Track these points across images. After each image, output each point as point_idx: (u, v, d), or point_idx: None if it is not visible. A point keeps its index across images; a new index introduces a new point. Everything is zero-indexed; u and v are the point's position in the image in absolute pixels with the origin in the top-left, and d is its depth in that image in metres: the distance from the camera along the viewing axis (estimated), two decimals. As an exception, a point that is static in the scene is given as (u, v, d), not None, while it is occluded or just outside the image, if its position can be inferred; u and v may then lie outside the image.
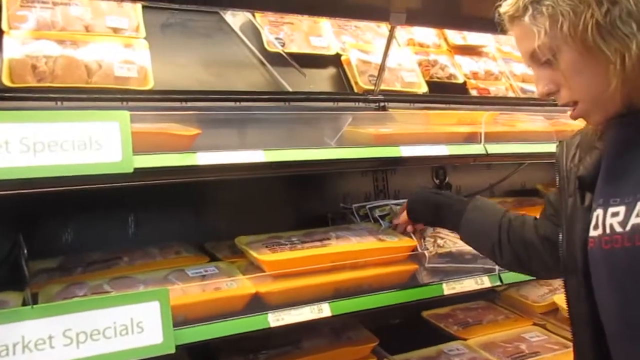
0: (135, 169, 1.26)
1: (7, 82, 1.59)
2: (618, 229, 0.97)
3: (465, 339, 2.00)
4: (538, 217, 1.40)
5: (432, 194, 1.65)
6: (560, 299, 2.04)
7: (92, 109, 1.39)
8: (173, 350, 1.24)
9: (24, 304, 1.28)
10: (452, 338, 2.03)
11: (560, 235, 1.17)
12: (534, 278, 1.72)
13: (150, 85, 1.78)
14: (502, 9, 1.06)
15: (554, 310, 2.12)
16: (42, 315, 1.12)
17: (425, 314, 2.22)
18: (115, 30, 1.87)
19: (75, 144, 1.20)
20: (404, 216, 1.70)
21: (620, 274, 0.97)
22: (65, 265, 1.56)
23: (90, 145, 1.21)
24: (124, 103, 1.74)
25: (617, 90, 0.95)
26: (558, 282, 2.19)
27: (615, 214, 0.98)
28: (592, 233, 1.04)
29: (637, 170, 0.98)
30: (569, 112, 1.08)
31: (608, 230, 0.99)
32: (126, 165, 1.25)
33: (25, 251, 1.27)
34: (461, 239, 1.54)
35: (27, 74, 1.66)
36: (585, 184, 1.10)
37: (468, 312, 2.24)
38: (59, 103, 1.65)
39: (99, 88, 1.71)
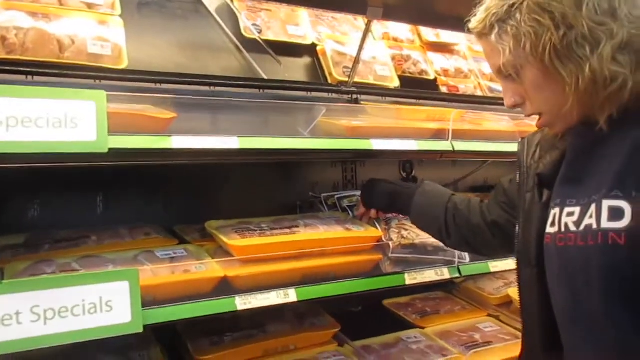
0: (110, 149, 1.25)
1: (-26, 52, 1.55)
2: (572, 228, 1.03)
3: (423, 328, 2.07)
4: (485, 200, 1.49)
5: (383, 182, 1.74)
6: (514, 292, 2.14)
7: (63, 85, 1.38)
8: (141, 330, 1.26)
9: (-10, 279, 1.27)
10: (411, 326, 2.10)
11: (517, 228, 1.24)
12: (489, 270, 1.81)
13: (124, 64, 1.76)
14: (470, 25, 1.11)
15: (507, 302, 2.22)
16: (9, 291, 1.12)
17: (386, 302, 2.29)
18: (90, 6, 1.83)
19: (50, 121, 1.19)
20: (362, 209, 1.78)
21: (572, 270, 1.03)
22: (32, 242, 1.54)
23: (65, 123, 1.20)
24: (97, 81, 1.71)
25: (574, 108, 1.02)
26: (513, 276, 2.28)
27: (570, 214, 1.05)
28: (549, 229, 1.10)
29: (591, 175, 1.05)
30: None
31: (563, 229, 1.06)
32: (101, 145, 1.24)
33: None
34: (412, 222, 1.65)
35: (-4, 45, 1.62)
36: (544, 181, 1.17)
37: (427, 302, 2.32)
38: (29, 78, 1.62)
39: (71, 64, 1.68)
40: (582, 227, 1.02)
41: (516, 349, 1.85)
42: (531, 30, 0.98)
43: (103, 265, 1.41)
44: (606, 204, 0.98)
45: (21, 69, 1.60)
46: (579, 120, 1.06)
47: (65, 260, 1.41)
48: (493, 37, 1.05)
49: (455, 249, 1.74)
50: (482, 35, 1.09)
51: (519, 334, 1.98)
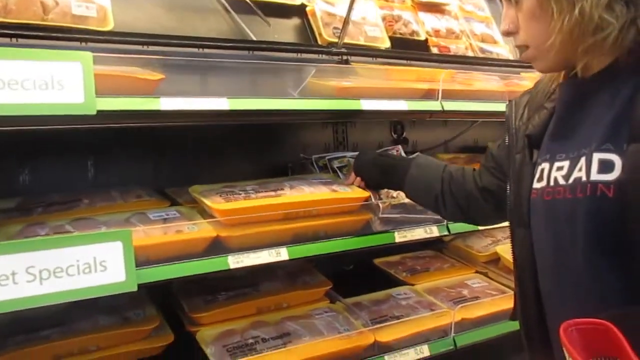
0: (98, 111, 1.25)
1: (-44, 15, 1.52)
2: (561, 181, 1.05)
3: (413, 285, 2.13)
4: (477, 168, 1.51)
5: (377, 156, 1.73)
6: (501, 249, 2.19)
7: (49, 48, 1.36)
8: (135, 289, 1.28)
9: (-16, 241, 1.29)
10: (401, 283, 2.15)
11: (508, 189, 1.26)
12: (477, 227, 1.85)
13: (110, 26, 1.72)
14: None
15: (495, 259, 2.27)
16: (5, 252, 1.13)
17: (377, 261, 2.34)
18: (73, -34, 1.79)
19: (37, 83, 1.18)
20: (353, 177, 1.78)
21: (558, 223, 1.06)
22: (24, 206, 1.56)
23: (52, 85, 1.19)
24: (83, 44, 1.69)
25: (555, 46, 1.03)
26: (500, 234, 2.35)
27: (560, 168, 1.07)
28: (536, 185, 1.13)
29: (581, 129, 1.06)
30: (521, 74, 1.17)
31: (552, 183, 1.08)
32: (89, 106, 1.24)
33: (-13, 189, 1.26)
34: (406, 195, 1.65)
35: (-23, 7, 1.59)
36: (534, 141, 1.18)
37: (417, 260, 2.37)
38: (13, 40, 1.59)
39: (56, 26, 1.65)
40: (571, 180, 1.03)
41: (503, 303, 1.93)
42: None
43: (96, 227, 1.43)
44: (596, 156, 0.99)
45: (5, 31, 1.57)
46: (564, 64, 1.08)
47: (58, 223, 1.43)
48: None
49: (450, 220, 1.77)
50: None
51: (506, 290, 2.07)
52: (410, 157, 1.67)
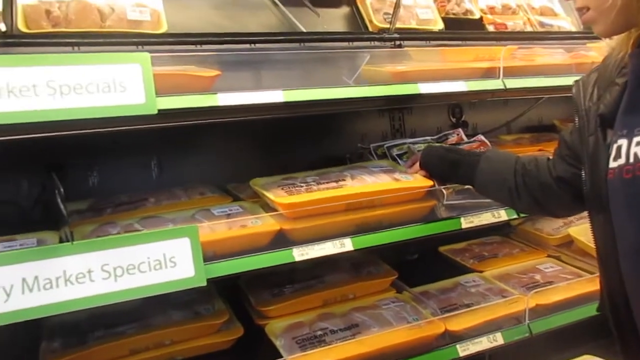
0: (159, 110, 1.28)
1: (23, 28, 1.58)
2: None
3: (481, 272, 2.06)
4: (551, 157, 1.42)
5: (445, 151, 1.67)
6: (575, 231, 2.08)
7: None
8: (204, 283, 1.30)
9: (61, 242, 1.34)
10: (468, 271, 2.09)
11: (583, 174, 1.19)
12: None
13: (163, 28, 1.76)
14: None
15: (568, 242, 2.16)
16: (82, 251, 1.18)
17: (442, 249, 2.28)
18: (126, -27, 1.84)
19: (100, 86, 1.22)
20: (416, 167, 1.72)
21: None
22: (95, 207, 1.62)
23: (114, 87, 1.23)
24: (139, 47, 1.73)
25: (615, 6, 1.01)
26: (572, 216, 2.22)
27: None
28: (612, 164, 1.05)
29: None
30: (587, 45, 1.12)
31: (632, 159, 1.00)
32: (150, 106, 1.27)
33: (62, 190, 1.31)
34: (477, 190, 1.58)
35: (42, 19, 1.65)
36: (607, 121, 1.11)
37: (484, 247, 2.29)
38: (75, 48, 1.65)
39: (113, 32, 1.70)
40: None
41: (580, 287, 1.83)
42: None
43: (163, 225, 1.47)
44: None
45: (67, 40, 1.63)
46: (621, 25, 1.05)
47: (128, 222, 1.47)
48: None
49: (526, 213, 1.69)
50: None
51: (582, 273, 1.96)
52: (480, 151, 1.60)
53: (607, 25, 1.07)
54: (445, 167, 1.63)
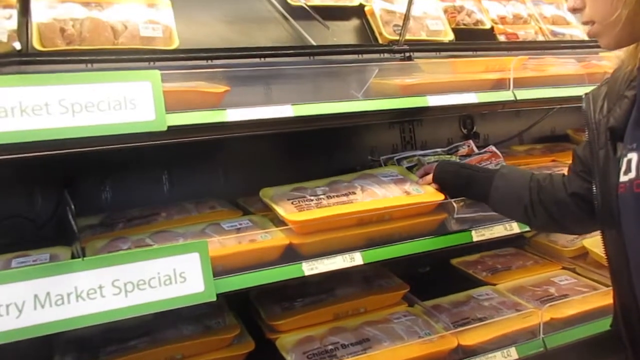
0: (169, 126, 1.29)
1: (38, 46, 1.62)
2: None
3: (494, 284, 2.03)
4: (566, 174, 1.41)
5: (459, 168, 1.66)
6: (589, 243, 2.04)
7: (120, 70, 1.43)
8: (214, 298, 1.31)
9: (73, 257, 1.36)
10: (481, 284, 2.06)
11: (594, 188, 1.17)
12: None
13: (175, 44, 1.79)
14: None
15: (583, 254, 2.13)
16: (93, 267, 1.19)
17: (454, 262, 2.26)
18: (138, -9, 1.87)
19: (111, 104, 1.24)
20: (428, 179, 1.71)
21: None
22: (107, 222, 1.63)
23: (125, 105, 1.24)
24: (151, 63, 1.75)
25: (620, 21, 1.01)
26: (588, 227, 2.19)
27: None
28: (623, 178, 1.04)
29: None
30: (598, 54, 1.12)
31: None
32: (160, 123, 1.28)
33: (73, 207, 1.33)
34: (491, 208, 1.57)
35: (57, 37, 1.69)
36: (617, 134, 1.11)
37: (497, 259, 2.26)
38: (89, 65, 1.68)
39: (126, 49, 1.73)
40: None
41: (596, 301, 1.80)
42: None
43: (174, 239, 1.47)
44: None
45: (81, 57, 1.66)
46: (625, 39, 1.06)
47: (139, 237, 1.48)
48: None
49: (542, 230, 1.67)
50: None
51: (598, 286, 1.93)
52: (494, 168, 1.59)
53: (611, 38, 1.08)
54: (459, 183, 1.62)
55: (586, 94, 1.25)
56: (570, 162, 1.40)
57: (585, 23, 1.12)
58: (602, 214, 1.14)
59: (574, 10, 1.13)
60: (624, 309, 1.14)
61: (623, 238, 1.07)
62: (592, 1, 1.08)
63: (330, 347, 1.59)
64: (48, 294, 1.15)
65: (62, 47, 1.67)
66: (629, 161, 1.03)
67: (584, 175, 1.31)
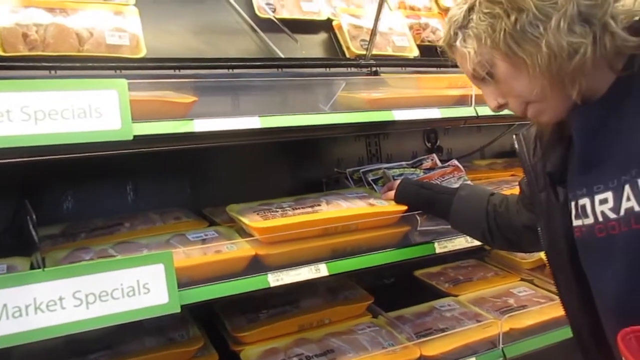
0: (135, 136, 1.28)
1: (-1, 51, 1.58)
2: (612, 215, 0.97)
3: (456, 295, 2.08)
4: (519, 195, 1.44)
5: (419, 188, 1.70)
6: (547, 255, 2.11)
7: (85, 77, 1.41)
8: (179, 310, 1.29)
9: (32, 268, 1.32)
10: (443, 295, 2.10)
11: (539, 229, 1.20)
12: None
13: (142, 53, 1.77)
14: (440, 42, 1.13)
15: (541, 266, 2.20)
16: (53, 278, 1.16)
17: (417, 273, 2.30)
18: (105, -2, 1.85)
19: (75, 112, 1.21)
20: (390, 195, 1.73)
21: (626, 257, 0.97)
22: (69, 232, 1.60)
23: (90, 113, 1.22)
24: (118, 71, 1.73)
25: (547, 89, 0.99)
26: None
27: (604, 201, 0.99)
28: (576, 222, 1.05)
29: (612, 154, 0.98)
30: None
31: (601, 218, 0.99)
32: (126, 132, 1.27)
33: (34, 216, 1.29)
34: (452, 227, 1.62)
35: (19, 42, 1.64)
36: (556, 178, 1.13)
37: (459, 270, 2.32)
38: (52, 72, 1.65)
39: (92, 56, 1.70)
40: (622, 212, 0.95)
41: (552, 312, 1.86)
42: (487, 24, 0.99)
43: (138, 250, 1.45)
44: None
45: (44, 64, 1.62)
46: (563, 105, 1.03)
47: (102, 247, 1.45)
48: (458, 43, 1.06)
49: (502, 250, 1.72)
50: (450, 46, 1.10)
51: (555, 297, 1.99)
52: (454, 188, 1.64)
53: (553, 110, 1.05)
54: (419, 205, 1.67)
55: (516, 134, 1.26)
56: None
57: (520, 112, 1.07)
58: (550, 256, 1.18)
59: (500, 108, 1.10)
60: (574, 327, 1.19)
61: (576, 282, 1.10)
62: (511, 89, 1.04)
63: (294, 358, 1.60)
64: (5, 306, 1.12)
65: (25, 52, 1.63)
66: (583, 206, 1.03)
67: (530, 207, 1.32)
